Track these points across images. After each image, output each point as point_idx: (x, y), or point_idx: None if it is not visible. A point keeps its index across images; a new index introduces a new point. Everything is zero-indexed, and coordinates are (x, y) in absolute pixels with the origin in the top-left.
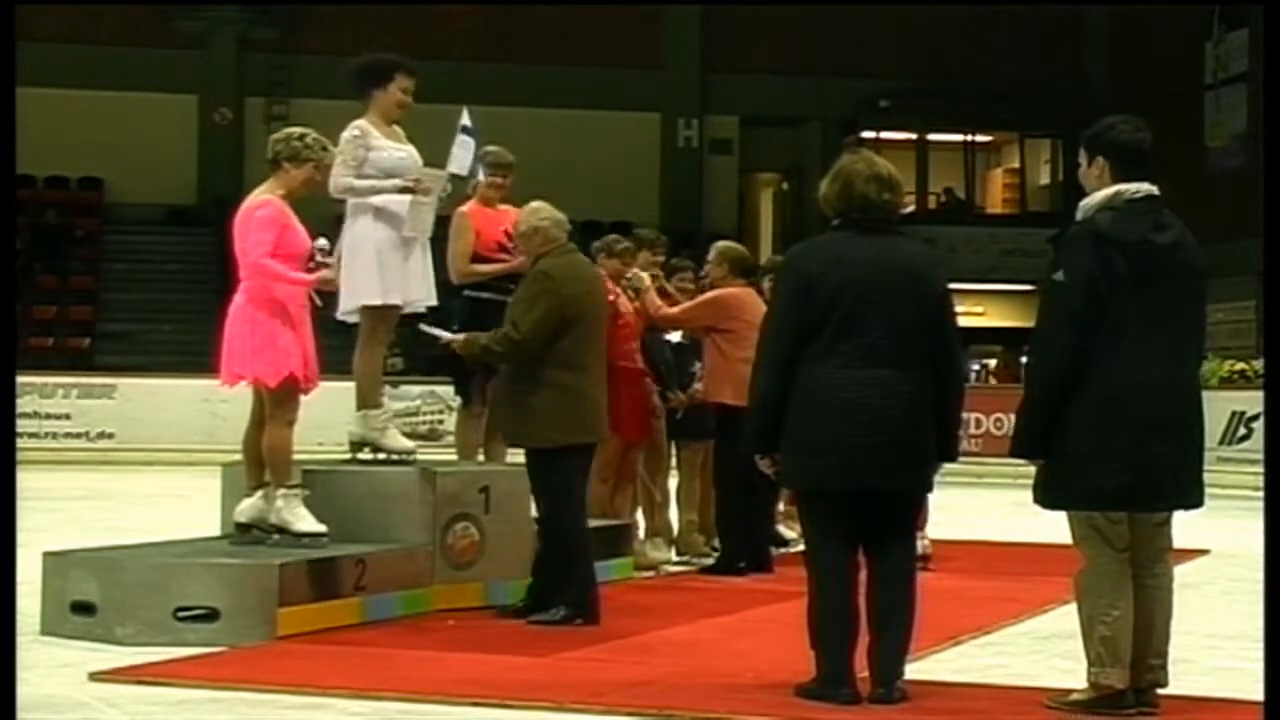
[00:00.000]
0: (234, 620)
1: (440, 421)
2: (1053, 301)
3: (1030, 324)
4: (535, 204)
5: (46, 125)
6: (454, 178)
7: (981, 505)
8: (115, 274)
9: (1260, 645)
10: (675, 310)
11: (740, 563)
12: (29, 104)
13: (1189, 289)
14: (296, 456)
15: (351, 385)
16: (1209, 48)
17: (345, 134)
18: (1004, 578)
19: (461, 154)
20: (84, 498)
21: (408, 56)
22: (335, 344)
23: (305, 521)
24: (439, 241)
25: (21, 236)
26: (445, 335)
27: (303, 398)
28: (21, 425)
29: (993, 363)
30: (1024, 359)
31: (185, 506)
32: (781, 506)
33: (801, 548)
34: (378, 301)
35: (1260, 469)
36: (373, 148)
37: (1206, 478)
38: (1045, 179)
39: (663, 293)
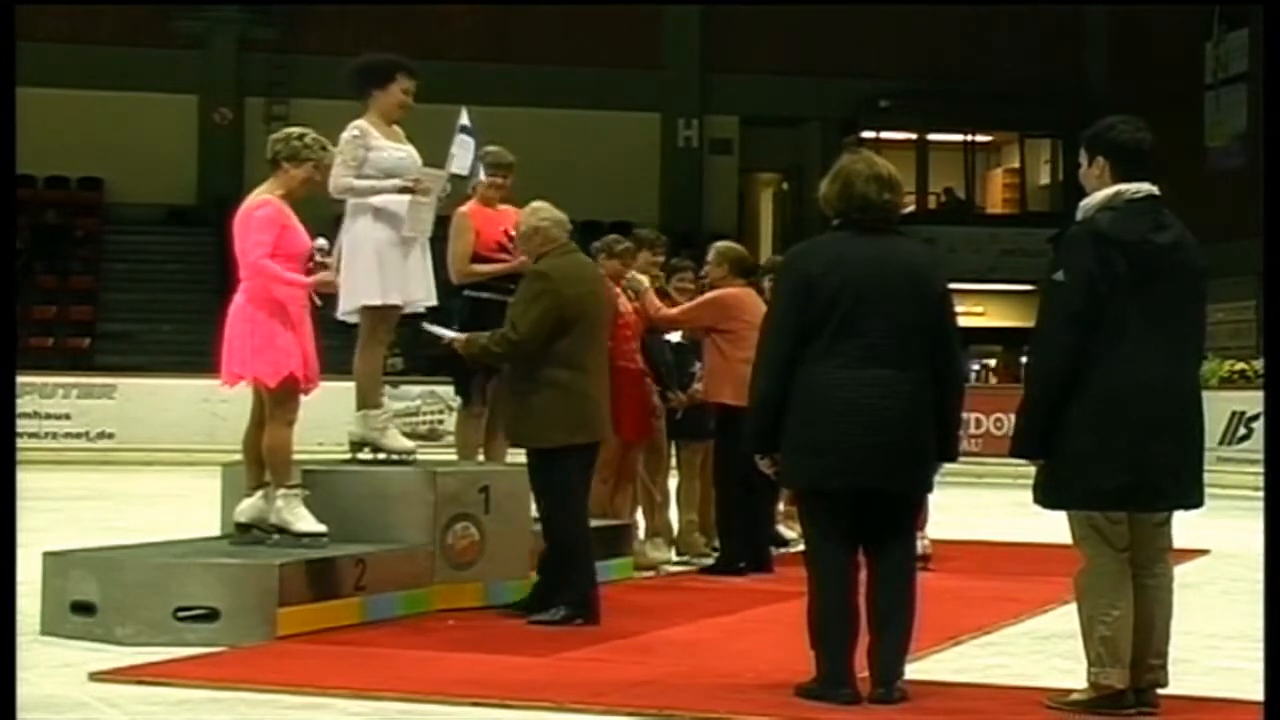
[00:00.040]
0: (234, 620)
1: (440, 421)
2: (1053, 301)
3: (1030, 324)
4: (536, 204)
5: (46, 125)
6: (454, 178)
7: (981, 505)
8: (115, 274)
9: (1260, 645)
10: (675, 311)
11: (740, 563)
12: (29, 104)
13: (1189, 289)
14: (296, 456)
15: (351, 385)
16: (1209, 48)
17: (345, 134)
18: (1004, 578)
19: (461, 154)
20: (84, 498)
21: (408, 56)
22: (335, 344)
23: (305, 521)
24: (439, 241)
25: (21, 236)
26: (448, 334)
27: (303, 398)
28: (21, 425)
29: (993, 363)
30: (1024, 359)
31: (185, 506)
32: (781, 506)
33: (801, 548)
34: (377, 301)
35: (1260, 469)
36: (372, 148)
37: (1206, 478)
38: (1045, 179)
39: (661, 294)
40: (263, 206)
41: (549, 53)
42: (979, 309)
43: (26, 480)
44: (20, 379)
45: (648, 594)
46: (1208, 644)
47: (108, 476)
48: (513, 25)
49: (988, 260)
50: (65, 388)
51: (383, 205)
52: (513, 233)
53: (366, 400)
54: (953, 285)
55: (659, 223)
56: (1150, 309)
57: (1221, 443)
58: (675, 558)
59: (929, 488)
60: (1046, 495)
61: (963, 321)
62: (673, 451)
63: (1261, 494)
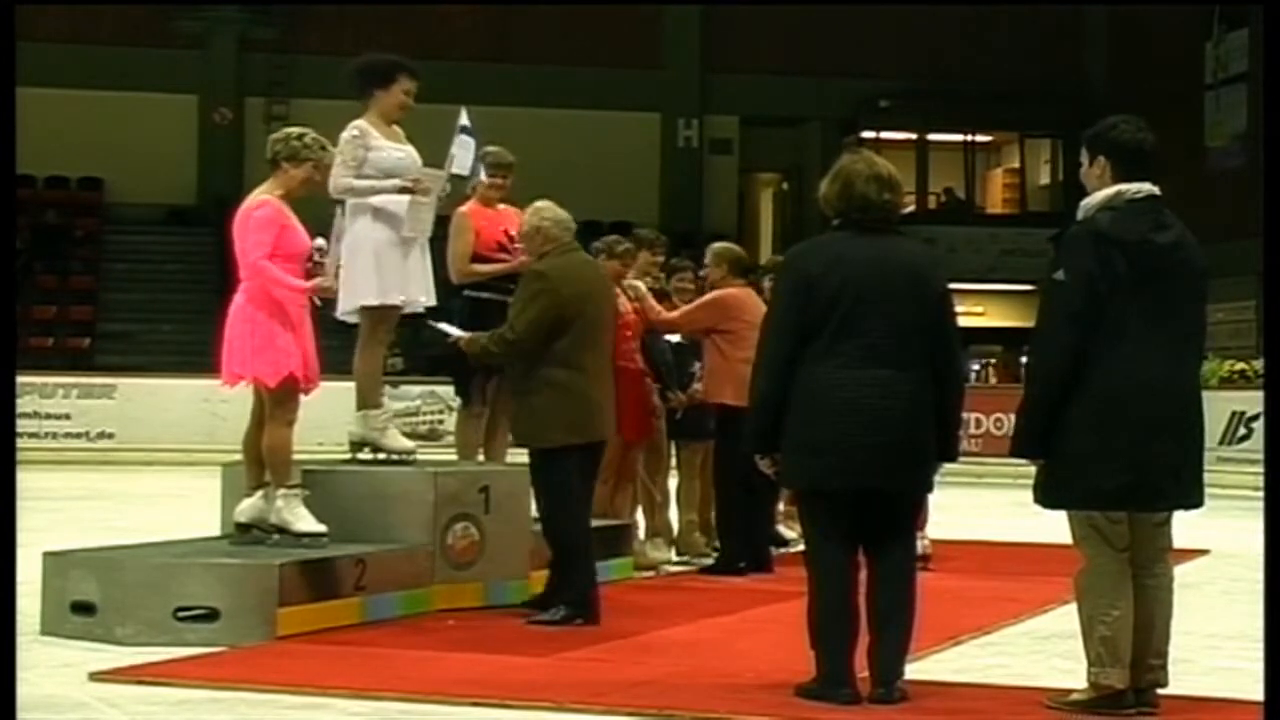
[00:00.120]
0: (234, 620)
1: (440, 421)
2: (1053, 301)
3: (1030, 324)
4: (539, 203)
5: (46, 125)
6: (454, 178)
7: (981, 505)
8: (115, 274)
9: (1260, 645)
10: (675, 314)
11: (740, 563)
12: (29, 104)
13: (1189, 289)
14: (296, 456)
15: (351, 385)
16: (1209, 48)
17: (345, 134)
18: (1004, 578)
19: (461, 154)
20: (84, 498)
21: (408, 56)
22: (335, 344)
23: (305, 521)
24: (439, 241)
25: (21, 236)
26: (454, 332)
27: (303, 398)
28: (21, 425)
29: (993, 363)
30: (1024, 359)
31: (185, 506)
32: (781, 506)
33: (801, 548)
34: (377, 302)
35: (1260, 469)
36: (372, 148)
37: (1206, 478)
38: (1045, 179)
39: (659, 295)
40: (262, 207)
41: (549, 53)
42: (979, 309)
43: (26, 480)
44: (20, 379)
45: (648, 594)
46: (1208, 644)
47: (108, 476)
48: (512, 25)
49: (988, 260)
50: (65, 388)
51: (382, 205)
52: (513, 233)
53: (366, 400)
54: (953, 285)
55: (659, 223)
56: (1150, 309)
57: (1221, 443)
58: (675, 558)
59: (929, 488)
60: (1046, 495)
61: (963, 321)
62: (673, 451)
63: (1261, 494)
